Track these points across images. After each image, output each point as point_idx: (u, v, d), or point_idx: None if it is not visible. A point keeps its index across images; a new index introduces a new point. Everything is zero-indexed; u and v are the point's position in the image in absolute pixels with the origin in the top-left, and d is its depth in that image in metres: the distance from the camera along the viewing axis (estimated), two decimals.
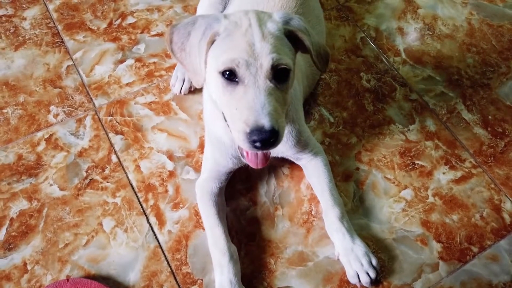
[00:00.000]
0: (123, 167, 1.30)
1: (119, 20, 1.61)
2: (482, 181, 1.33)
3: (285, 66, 0.90)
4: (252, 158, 1.00)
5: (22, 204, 1.23)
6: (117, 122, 1.38)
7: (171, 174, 1.29)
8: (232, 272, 1.08)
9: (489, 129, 1.43)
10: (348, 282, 1.14)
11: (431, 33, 1.65)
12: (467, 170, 1.35)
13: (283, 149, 1.17)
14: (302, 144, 1.19)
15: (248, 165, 1.03)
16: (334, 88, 1.49)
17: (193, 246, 1.18)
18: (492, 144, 1.40)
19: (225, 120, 0.96)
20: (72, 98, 1.43)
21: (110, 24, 1.60)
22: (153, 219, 1.22)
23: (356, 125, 1.41)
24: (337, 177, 1.30)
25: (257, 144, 0.87)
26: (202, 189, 1.19)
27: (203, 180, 1.20)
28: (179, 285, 1.13)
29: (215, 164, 1.18)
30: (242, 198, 1.26)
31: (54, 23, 1.60)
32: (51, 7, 1.64)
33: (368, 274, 1.11)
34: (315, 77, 1.42)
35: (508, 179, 1.33)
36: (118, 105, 1.42)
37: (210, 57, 0.93)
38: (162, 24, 1.61)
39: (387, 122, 1.42)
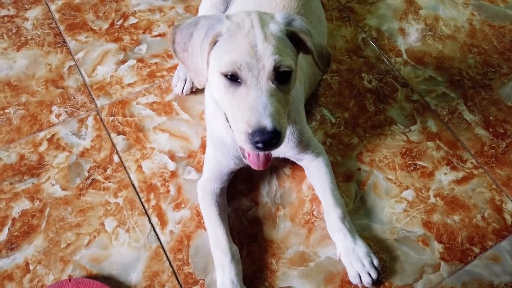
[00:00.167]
0: (125, 167, 1.30)
1: (121, 21, 1.61)
2: (484, 182, 1.33)
3: (287, 68, 0.90)
4: (253, 159, 1.00)
5: (24, 204, 1.24)
6: (119, 122, 1.39)
7: (173, 174, 1.30)
8: (233, 272, 1.08)
9: (490, 129, 1.43)
10: (349, 283, 1.14)
11: (432, 33, 1.65)
12: (468, 170, 1.35)
13: (285, 149, 1.18)
14: (303, 145, 1.19)
15: (250, 166, 1.04)
16: (335, 89, 1.49)
17: (195, 246, 1.19)
18: (493, 145, 1.40)
19: (227, 121, 0.96)
20: (74, 98, 1.43)
21: (112, 24, 1.61)
22: (155, 219, 1.22)
23: (357, 126, 1.41)
24: (339, 177, 1.31)
25: (259, 145, 0.87)
26: (204, 189, 1.19)
27: (204, 180, 1.21)
28: (181, 285, 1.13)
29: (216, 164, 1.18)
30: (243, 198, 1.27)
31: (56, 24, 1.60)
32: (53, 7, 1.64)
33: (369, 274, 1.11)
34: (316, 77, 1.42)
35: (509, 180, 1.33)
36: (120, 106, 1.42)
37: (212, 58, 0.93)
38: (164, 24, 1.61)
39: (388, 123, 1.43)
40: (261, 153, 0.99)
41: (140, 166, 1.31)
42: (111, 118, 1.39)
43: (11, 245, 1.17)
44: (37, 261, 1.15)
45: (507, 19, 1.71)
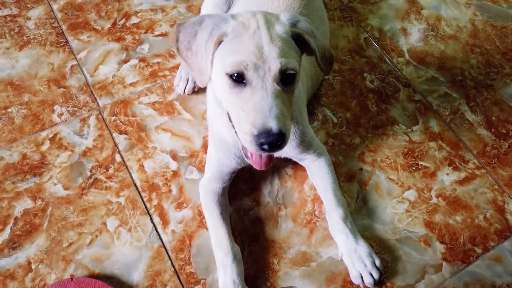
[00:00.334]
0: (127, 167, 1.31)
1: (123, 20, 1.62)
2: (486, 182, 1.33)
3: (292, 71, 0.90)
4: (256, 160, 1.00)
5: (26, 203, 1.24)
6: (121, 122, 1.39)
7: (175, 174, 1.30)
8: (235, 272, 1.08)
9: (492, 130, 1.43)
10: (351, 283, 1.14)
11: (434, 33, 1.65)
12: (470, 171, 1.34)
13: (287, 149, 1.17)
14: (305, 145, 1.19)
15: (252, 165, 1.04)
16: (337, 89, 1.49)
17: (197, 246, 1.19)
18: (495, 145, 1.40)
19: (230, 121, 0.96)
20: (76, 97, 1.43)
21: (114, 24, 1.61)
22: (156, 219, 1.22)
23: (359, 126, 1.41)
24: (341, 177, 1.31)
25: (265, 146, 0.87)
26: (206, 189, 1.20)
27: (206, 180, 1.21)
28: (182, 285, 1.13)
29: (218, 164, 1.18)
30: (245, 198, 1.27)
31: (59, 23, 1.61)
32: (55, 7, 1.64)
33: (371, 275, 1.11)
34: (318, 77, 1.42)
35: (511, 180, 1.33)
36: (122, 105, 1.42)
37: (216, 58, 0.93)
38: (166, 24, 1.61)
39: (390, 123, 1.42)
40: (264, 154, 0.99)
41: (142, 166, 1.31)
42: (113, 118, 1.39)
43: (13, 244, 1.18)
44: (39, 260, 1.16)
45: (510, 19, 1.71)
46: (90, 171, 1.30)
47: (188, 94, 1.43)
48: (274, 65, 0.88)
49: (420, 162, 1.35)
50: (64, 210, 1.23)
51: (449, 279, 1.17)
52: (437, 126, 1.43)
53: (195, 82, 1.42)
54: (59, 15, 1.62)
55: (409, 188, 1.30)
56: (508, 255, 1.21)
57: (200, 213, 1.22)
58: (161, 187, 1.27)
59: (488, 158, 1.37)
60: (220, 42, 0.92)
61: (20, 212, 1.22)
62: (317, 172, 1.23)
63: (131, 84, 1.47)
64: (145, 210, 1.24)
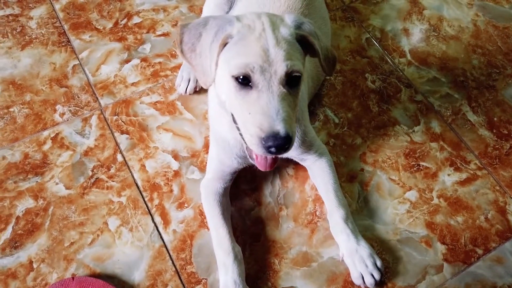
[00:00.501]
0: (128, 167, 1.31)
1: (125, 20, 1.62)
2: (487, 183, 1.33)
3: (298, 74, 0.90)
4: (261, 161, 1.00)
5: (28, 203, 1.24)
6: (122, 121, 1.39)
7: (176, 173, 1.30)
8: (236, 272, 1.08)
9: (494, 130, 1.43)
10: (352, 283, 1.14)
11: (436, 34, 1.65)
12: (472, 172, 1.34)
13: None
14: (307, 145, 1.19)
15: (253, 165, 1.04)
16: (339, 89, 1.49)
17: (198, 245, 1.19)
18: (497, 146, 1.40)
19: (234, 122, 0.96)
20: (78, 97, 1.44)
21: (116, 24, 1.61)
22: (158, 219, 1.23)
23: (361, 126, 1.41)
24: (342, 178, 1.31)
25: (272, 149, 0.87)
26: (207, 189, 1.20)
27: (208, 180, 1.21)
28: (183, 285, 1.14)
29: (220, 164, 1.18)
30: (246, 198, 1.27)
31: (61, 23, 1.61)
32: (57, 6, 1.65)
33: (372, 275, 1.11)
34: (320, 78, 1.42)
35: None
36: (124, 105, 1.42)
37: (221, 60, 0.93)
38: (168, 24, 1.61)
39: (392, 123, 1.42)
40: (270, 156, 0.99)
41: (143, 165, 1.31)
42: (114, 117, 1.40)
43: (15, 243, 1.18)
44: (40, 260, 1.16)
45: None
46: (92, 170, 1.30)
47: (190, 94, 1.44)
48: (280, 68, 0.88)
49: (421, 163, 1.35)
50: (66, 209, 1.23)
51: (450, 280, 1.17)
52: (439, 126, 1.42)
53: (196, 82, 1.42)
54: (61, 15, 1.63)
55: (410, 188, 1.30)
56: (509, 256, 1.21)
57: (201, 213, 1.23)
58: (163, 187, 1.27)
59: (489, 159, 1.37)
60: (225, 44, 0.92)
61: (22, 211, 1.23)
62: (319, 173, 1.23)
63: (132, 84, 1.47)
64: (146, 209, 1.24)
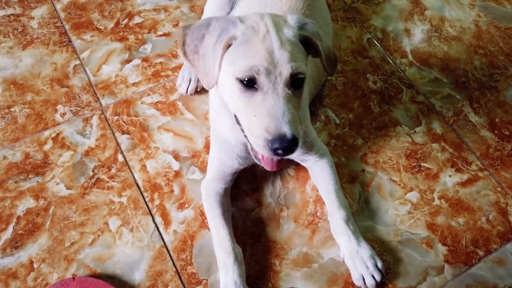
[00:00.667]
0: (129, 167, 1.31)
1: (126, 20, 1.62)
2: (489, 184, 1.32)
3: (302, 75, 0.90)
4: (267, 162, 1.00)
5: (29, 203, 1.24)
6: (123, 121, 1.39)
7: (177, 174, 1.30)
8: (236, 273, 1.08)
9: (496, 131, 1.43)
10: (353, 284, 1.14)
11: (438, 34, 1.64)
12: (473, 173, 1.34)
13: None
14: (308, 145, 1.19)
15: (254, 166, 1.04)
16: (340, 90, 1.49)
17: (198, 246, 1.19)
18: (499, 147, 1.39)
19: (238, 123, 0.96)
20: (79, 97, 1.44)
21: (117, 24, 1.61)
22: (158, 219, 1.23)
23: (362, 127, 1.41)
24: (343, 178, 1.30)
25: (279, 151, 0.87)
26: (208, 190, 1.20)
27: (208, 181, 1.21)
28: (184, 285, 1.13)
29: (220, 164, 1.18)
30: (247, 198, 1.27)
31: (62, 23, 1.61)
32: (58, 6, 1.65)
33: (373, 276, 1.11)
34: (321, 78, 1.42)
35: None
36: (125, 105, 1.42)
37: (225, 61, 0.92)
38: (169, 24, 1.61)
39: (393, 124, 1.42)
40: (276, 157, 0.99)
41: (144, 166, 1.31)
42: (115, 118, 1.40)
43: (16, 243, 1.18)
44: (41, 260, 1.16)
45: None
46: (93, 170, 1.30)
47: (191, 94, 1.43)
48: (285, 69, 0.88)
49: (422, 164, 1.35)
50: (66, 209, 1.23)
51: (451, 281, 1.16)
52: (440, 127, 1.42)
53: (197, 82, 1.42)
54: (62, 15, 1.63)
55: (411, 189, 1.30)
56: (511, 257, 1.20)
57: (202, 214, 1.22)
58: (163, 187, 1.27)
59: (491, 160, 1.37)
60: (228, 46, 0.92)
61: (23, 211, 1.23)
62: (319, 173, 1.23)
63: (133, 84, 1.47)
64: (147, 210, 1.24)
